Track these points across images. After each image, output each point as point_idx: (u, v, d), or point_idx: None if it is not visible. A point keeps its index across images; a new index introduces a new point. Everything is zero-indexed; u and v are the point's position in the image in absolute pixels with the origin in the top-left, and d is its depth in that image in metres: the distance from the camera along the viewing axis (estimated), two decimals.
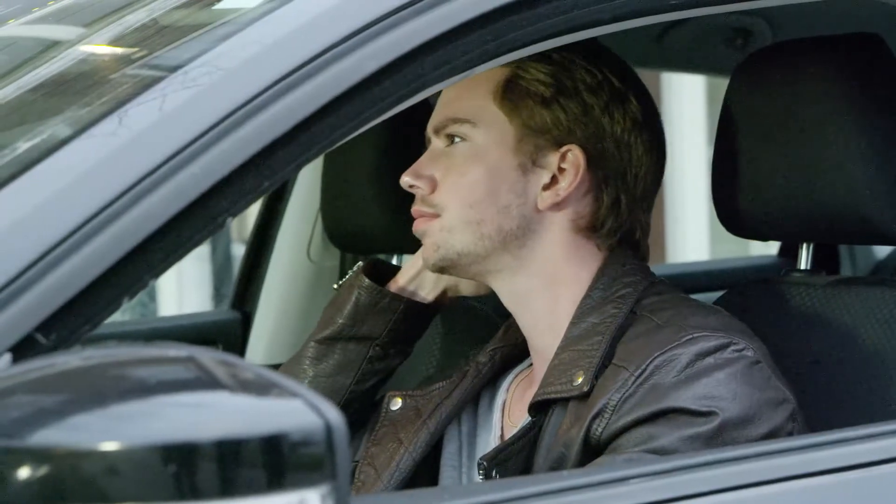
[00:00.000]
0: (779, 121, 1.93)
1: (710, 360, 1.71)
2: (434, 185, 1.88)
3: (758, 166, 1.95)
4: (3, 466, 1.10)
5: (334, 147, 1.44)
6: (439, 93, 1.86)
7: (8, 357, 1.24)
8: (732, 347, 1.73)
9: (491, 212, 1.85)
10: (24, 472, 1.10)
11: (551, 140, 1.85)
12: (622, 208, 1.87)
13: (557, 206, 1.86)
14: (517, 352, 1.99)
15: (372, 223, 2.49)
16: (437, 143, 1.92)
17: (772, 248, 3.82)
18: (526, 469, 1.79)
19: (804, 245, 2.04)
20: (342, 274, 3.05)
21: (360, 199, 2.50)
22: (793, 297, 1.98)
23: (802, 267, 2.03)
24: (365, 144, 2.44)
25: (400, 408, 2.00)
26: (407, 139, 2.43)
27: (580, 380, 1.76)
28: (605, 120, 1.86)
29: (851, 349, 1.90)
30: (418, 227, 1.91)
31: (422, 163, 1.91)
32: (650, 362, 1.72)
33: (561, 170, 1.85)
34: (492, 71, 1.83)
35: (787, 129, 1.92)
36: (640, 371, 1.72)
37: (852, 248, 3.63)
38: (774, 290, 2.01)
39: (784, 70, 1.96)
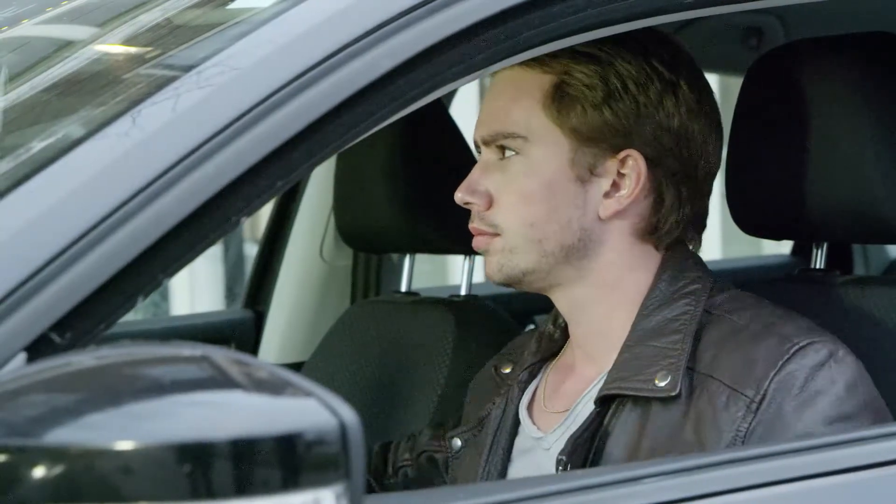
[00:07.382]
0: (792, 120, 1.93)
1: (824, 372, 1.69)
2: (490, 201, 1.83)
3: (771, 166, 1.95)
4: (18, 465, 1.10)
5: (348, 146, 1.44)
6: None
7: (23, 356, 1.24)
8: (835, 353, 1.71)
9: (552, 229, 1.80)
10: (39, 471, 1.10)
11: (608, 147, 1.80)
12: (683, 201, 1.83)
13: (619, 213, 1.81)
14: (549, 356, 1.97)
15: (384, 222, 2.49)
16: (488, 154, 1.85)
17: (784, 247, 3.82)
18: (587, 461, 1.76)
19: (817, 244, 2.03)
20: (354, 273, 3.05)
21: (372, 198, 2.50)
22: (806, 296, 1.97)
23: (816, 266, 2.03)
24: (378, 143, 2.44)
25: (461, 447, 1.99)
26: (420, 138, 2.44)
27: (663, 382, 1.72)
28: (661, 115, 1.80)
29: (865, 349, 1.89)
30: (479, 246, 1.85)
31: (474, 177, 1.84)
32: (768, 385, 1.69)
33: (620, 174, 1.80)
34: (538, 78, 1.80)
35: (800, 128, 1.92)
36: (760, 396, 1.68)
37: (865, 247, 3.63)
38: (787, 289, 2.01)
39: (798, 69, 1.95)
